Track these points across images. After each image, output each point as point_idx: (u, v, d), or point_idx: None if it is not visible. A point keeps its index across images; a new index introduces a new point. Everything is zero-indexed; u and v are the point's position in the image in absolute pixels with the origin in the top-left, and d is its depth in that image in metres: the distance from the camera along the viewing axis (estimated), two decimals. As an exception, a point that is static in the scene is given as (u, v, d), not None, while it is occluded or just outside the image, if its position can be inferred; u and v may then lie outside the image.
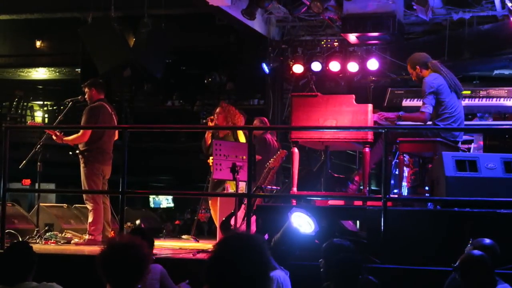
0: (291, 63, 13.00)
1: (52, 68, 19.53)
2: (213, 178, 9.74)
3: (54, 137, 9.70)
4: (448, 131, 8.19)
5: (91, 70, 13.80)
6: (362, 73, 12.33)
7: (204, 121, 10.45)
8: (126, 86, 17.99)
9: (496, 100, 10.10)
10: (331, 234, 6.97)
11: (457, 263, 5.02)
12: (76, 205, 11.80)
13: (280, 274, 5.59)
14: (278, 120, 13.46)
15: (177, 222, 14.55)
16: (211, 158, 9.49)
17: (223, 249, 3.10)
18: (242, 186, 8.80)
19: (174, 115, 17.19)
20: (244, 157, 8.39)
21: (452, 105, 8.23)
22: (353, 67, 12.40)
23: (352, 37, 11.70)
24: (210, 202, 10.53)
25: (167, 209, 17.44)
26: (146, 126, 15.43)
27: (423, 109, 8.15)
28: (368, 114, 8.04)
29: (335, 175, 9.14)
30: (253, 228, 7.79)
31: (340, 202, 8.56)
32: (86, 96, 9.75)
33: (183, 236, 11.49)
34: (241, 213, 8.46)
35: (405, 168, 8.79)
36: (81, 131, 9.62)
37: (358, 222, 9.03)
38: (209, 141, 10.11)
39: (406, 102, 10.21)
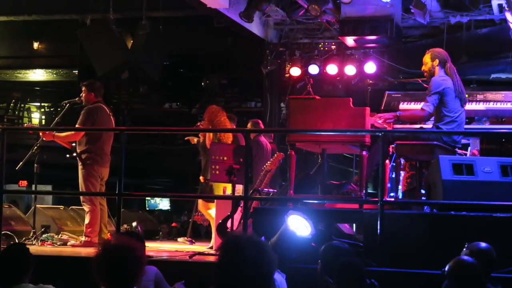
0: (288, 66, 13.01)
1: (50, 70, 19.54)
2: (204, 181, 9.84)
3: (41, 134, 9.74)
4: (449, 136, 8.18)
5: (88, 72, 13.82)
6: (360, 76, 12.34)
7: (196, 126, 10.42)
8: (124, 88, 18.01)
9: (493, 104, 10.11)
10: (328, 237, 6.97)
11: (446, 268, 5.04)
12: (73, 206, 11.80)
13: (276, 277, 5.59)
14: (276, 123, 13.47)
15: (174, 224, 14.56)
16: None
17: (229, 251, 3.12)
18: (239, 189, 8.81)
19: (171, 117, 17.21)
20: (241, 160, 8.40)
21: (456, 110, 8.23)
22: (350, 70, 12.42)
23: (350, 40, 11.70)
24: (201, 204, 10.47)
25: (164, 211, 17.44)
26: (143, 128, 15.44)
27: (425, 107, 8.16)
28: (366, 117, 8.05)
29: (333, 182, 9.14)
30: (250, 231, 7.79)
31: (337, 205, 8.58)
32: (83, 97, 9.74)
33: (179, 239, 11.49)
34: (238, 216, 8.46)
35: (401, 172, 8.79)
36: None
37: (354, 225, 9.03)
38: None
39: (403, 106, 10.22)
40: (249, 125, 11.05)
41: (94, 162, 9.50)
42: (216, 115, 10.00)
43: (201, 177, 10.24)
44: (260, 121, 11.37)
